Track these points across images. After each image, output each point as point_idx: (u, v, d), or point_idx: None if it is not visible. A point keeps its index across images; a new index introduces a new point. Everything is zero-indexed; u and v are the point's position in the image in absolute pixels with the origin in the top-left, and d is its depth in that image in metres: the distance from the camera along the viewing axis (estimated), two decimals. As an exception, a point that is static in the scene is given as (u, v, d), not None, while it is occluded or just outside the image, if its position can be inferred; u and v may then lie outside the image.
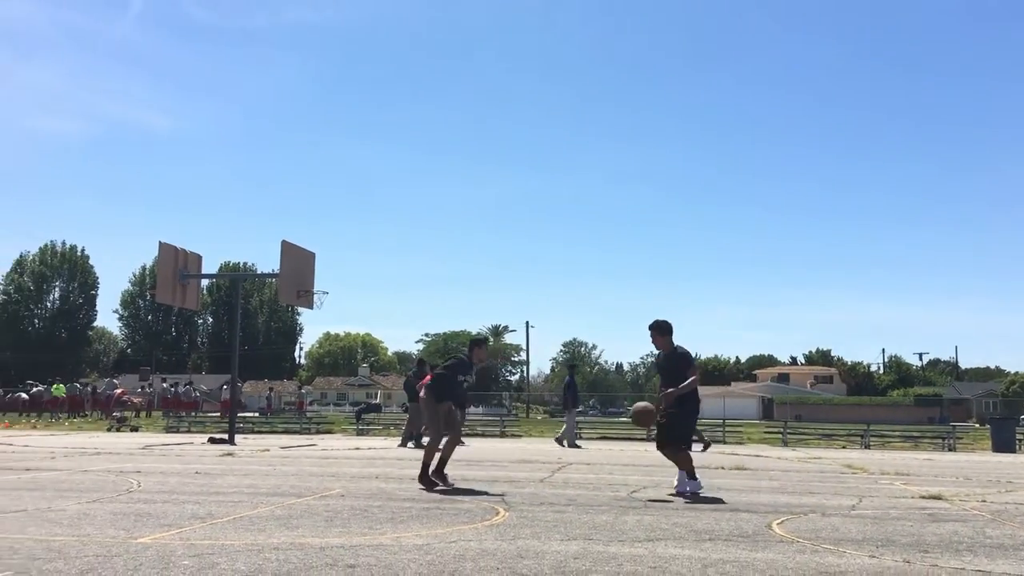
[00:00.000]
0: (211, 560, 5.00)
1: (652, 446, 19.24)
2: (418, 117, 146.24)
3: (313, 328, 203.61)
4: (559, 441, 19.23)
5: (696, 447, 13.02)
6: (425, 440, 9.59)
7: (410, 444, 17.72)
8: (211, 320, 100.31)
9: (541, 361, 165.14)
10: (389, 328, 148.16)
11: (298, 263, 21.08)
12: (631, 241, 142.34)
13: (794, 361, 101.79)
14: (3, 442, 18.10)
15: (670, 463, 9.12)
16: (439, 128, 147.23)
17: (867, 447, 21.70)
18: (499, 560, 5.11)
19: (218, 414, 37.11)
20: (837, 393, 79.60)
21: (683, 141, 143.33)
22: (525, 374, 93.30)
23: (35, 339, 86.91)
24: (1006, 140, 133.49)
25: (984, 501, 8.98)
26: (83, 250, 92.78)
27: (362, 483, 9.39)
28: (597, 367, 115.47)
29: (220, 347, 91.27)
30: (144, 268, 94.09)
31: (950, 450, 21.40)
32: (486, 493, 8.77)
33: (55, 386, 40.48)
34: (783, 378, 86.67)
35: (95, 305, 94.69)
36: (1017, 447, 21.60)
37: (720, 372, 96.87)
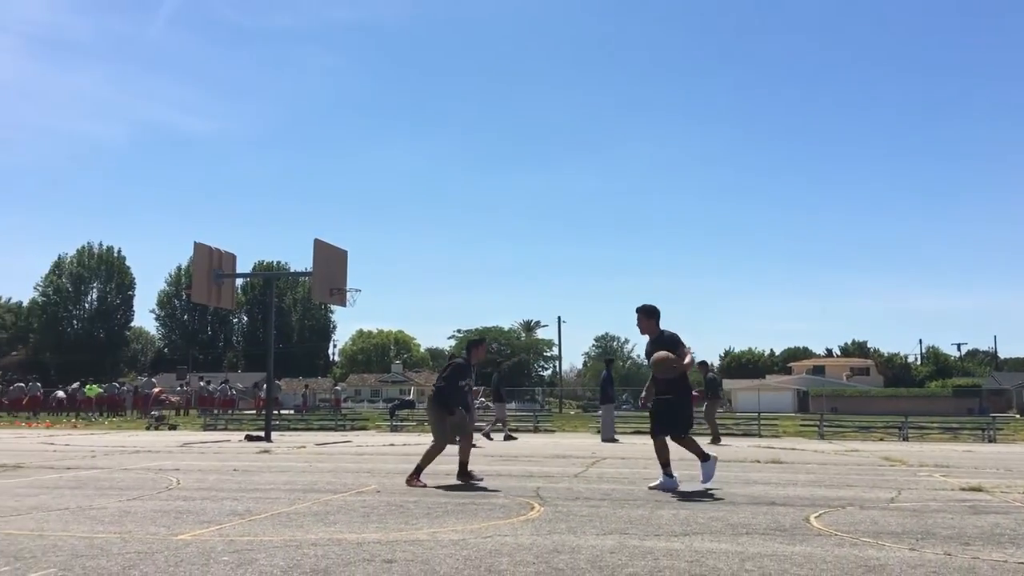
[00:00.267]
0: (250, 556, 5.05)
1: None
2: (451, 113, 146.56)
3: (346, 325, 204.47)
4: (611, 440, 18.88)
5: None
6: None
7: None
8: (246, 319, 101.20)
9: (573, 356, 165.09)
10: (422, 323, 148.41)
11: (331, 261, 21.22)
12: (663, 236, 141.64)
13: (829, 353, 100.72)
14: (45, 441, 18.42)
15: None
16: (472, 125, 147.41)
17: (905, 439, 21.46)
18: (535, 555, 5.12)
19: (254, 412, 37.53)
20: (874, 385, 78.62)
21: (716, 136, 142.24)
22: (557, 369, 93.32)
23: (74, 340, 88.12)
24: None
25: (1026, 493, 8.85)
26: (120, 251, 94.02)
27: (397, 479, 9.43)
28: (630, 361, 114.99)
29: (255, 345, 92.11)
30: (179, 268, 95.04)
31: (990, 441, 21.09)
32: (520, 488, 8.79)
33: (88, 386, 41.11)
34: (818, 370, 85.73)
35: (132, 305, 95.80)
36: (1059, 438, 21.26)
37: (754, 365, 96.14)
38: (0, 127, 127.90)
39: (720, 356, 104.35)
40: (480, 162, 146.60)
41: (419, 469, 9.27)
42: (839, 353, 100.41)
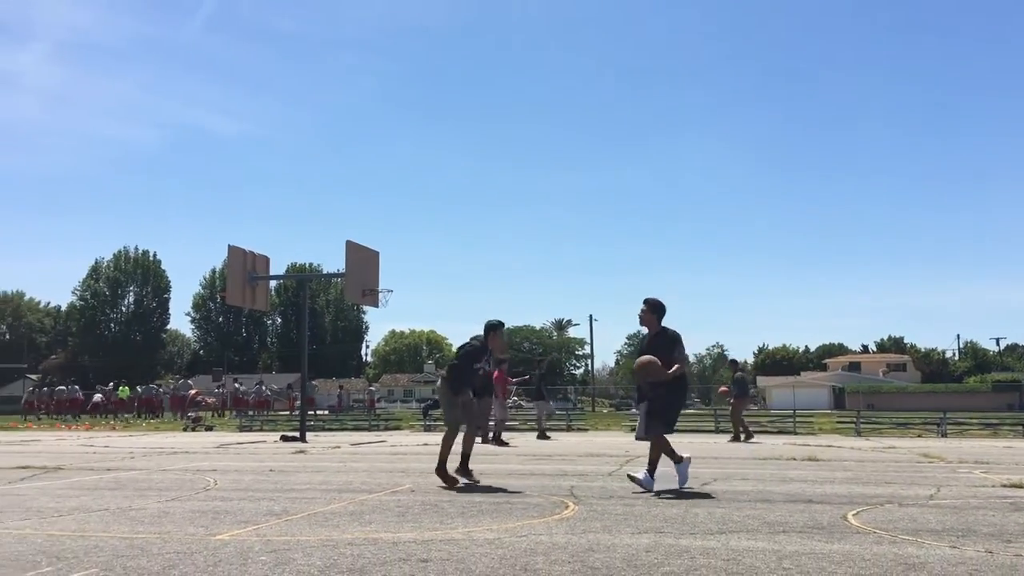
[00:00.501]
0: (287, 555, 5.09)
1: (722, 438, 19.17)
2: (480, 115, 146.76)
3: (379, 326, 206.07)
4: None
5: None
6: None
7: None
8: (280, 320, 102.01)
9: (605, 354, 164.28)
10: (453, 323, 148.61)
11: (363, 262, 21.36)
12: (695, 234, 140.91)
13: (865, 349, 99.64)
14: (85, 443, 18.69)
15: (741, 455, 8.94)
16: (501, 127, 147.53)
17: (944, 435, 21.16)
18: (570, 554, 5.11)
19: (288, 412, 37.82)
20: (911, 381, 77.71)
21: (751, 129, 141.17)
22: (590, 368, 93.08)
23: (111, 343, 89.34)
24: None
25: (1069, 489, 8.69)
26: (155, 255, 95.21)
27: (432, 478, 9.45)
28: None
29: (289, 347, 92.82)
30: (214, 271, 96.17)
31: (1031, 437, 20.76)
32: (554, 487, 8.77)
33: (120, 388, 41.65)
34: (854, 367, 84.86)
35: (168, 308, 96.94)
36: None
37: (789, 362, 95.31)
38: (38, 134, 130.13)
39: (754, 353, 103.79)
40: (512, 160, 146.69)
41: (442, 461, 9.10)
42: (875, 349, 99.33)
